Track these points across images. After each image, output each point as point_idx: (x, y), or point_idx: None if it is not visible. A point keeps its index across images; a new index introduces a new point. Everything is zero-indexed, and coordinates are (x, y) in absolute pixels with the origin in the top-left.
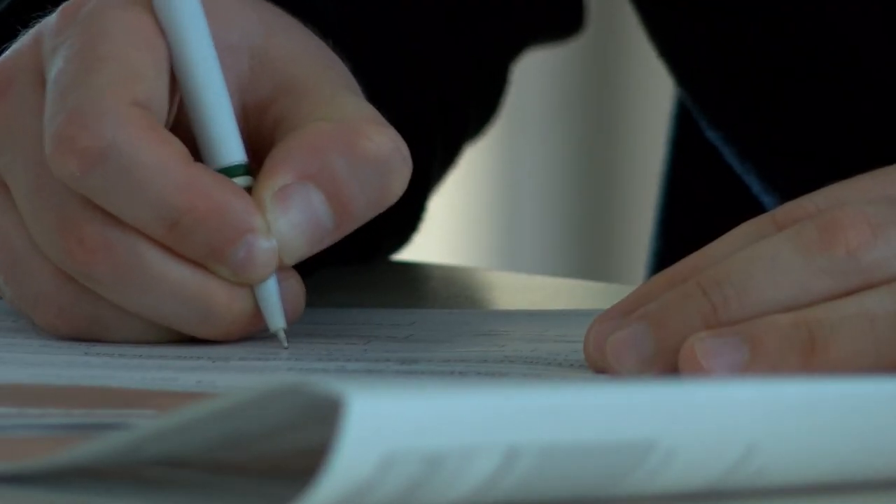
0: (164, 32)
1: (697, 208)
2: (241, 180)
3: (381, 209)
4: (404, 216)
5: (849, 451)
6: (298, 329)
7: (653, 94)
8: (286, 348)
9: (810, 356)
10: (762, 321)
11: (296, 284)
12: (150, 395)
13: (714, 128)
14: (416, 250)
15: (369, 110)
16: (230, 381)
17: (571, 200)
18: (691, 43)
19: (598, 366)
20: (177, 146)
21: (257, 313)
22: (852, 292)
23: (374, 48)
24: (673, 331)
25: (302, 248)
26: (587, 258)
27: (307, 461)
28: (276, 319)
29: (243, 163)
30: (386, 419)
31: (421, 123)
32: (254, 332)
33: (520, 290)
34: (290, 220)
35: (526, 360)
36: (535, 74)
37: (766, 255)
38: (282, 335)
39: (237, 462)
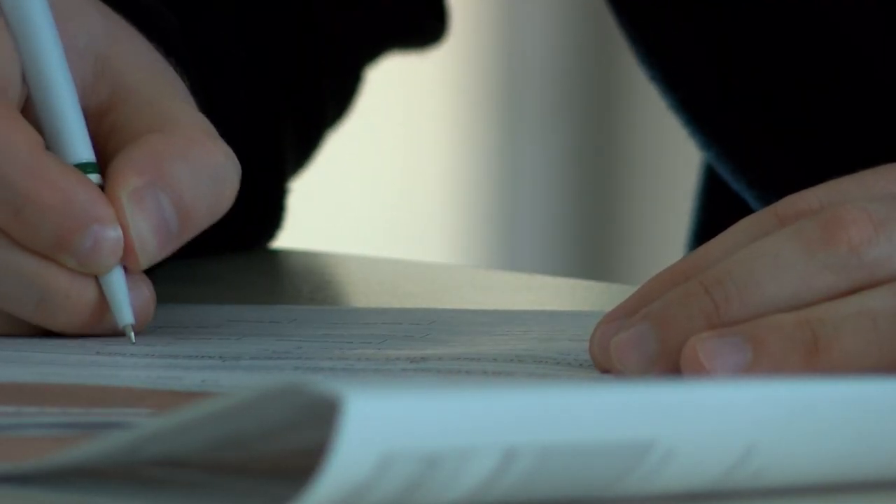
0: (11, 31)
1: (735, 213)
2: (91, 178)
3: (217, 216)
4: (264, 209)
5: (847, 451)
6: (312, 329)
7: (654, 93)
8: (133, 344)
9: (813, 356)
10: (764, 321)
11: (145, 288)
12: (149, 395)
13: (706, 147)
14: (416, 249)
15: (203, 121)
16: (235, 381)
17: (571, 200)
18: (687, 57)
19: (604, 367)
20: (30, 134)
21: (101, 306)
22: (855, 289)
23: (220, 41)
24: (676, 330)
25: (154, 250)
26: (587, 258)
27: (307, 461)
28: (125, 315)
29: (92, 161)
30: (384, 419)
31: (270, 115)
32: (101, 328)
33: (520, 290)
34: (146, 220)
35: (536, 359)
36: (535, 74)
37: (767, 252)
38: (129, 331)
39: (237, 462)
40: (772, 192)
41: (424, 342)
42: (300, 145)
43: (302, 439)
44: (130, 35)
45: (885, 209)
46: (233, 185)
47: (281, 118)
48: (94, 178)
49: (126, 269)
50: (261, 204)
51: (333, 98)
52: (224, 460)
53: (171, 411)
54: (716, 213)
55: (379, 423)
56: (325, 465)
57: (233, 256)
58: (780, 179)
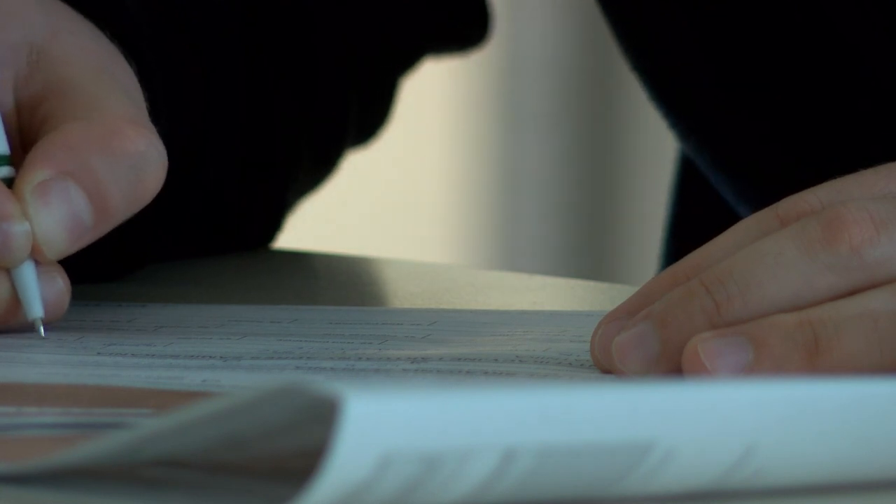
0: None
1: (709, 210)
2: (2, 171)
3: (139, 206)
4: (264, 214)
5: (847, 451)
6: (314, 329)
7: None
8: (44, 338)
9: (814, 356)
10: (766, 321)
11: (60, 281)
12: (150, 395)
13: (685, 137)
14: (417, 250)
15: (131, 109)
16: (236, 381)
17: (572, 200)
18: (673, 49)
19: (605, 367)
20: None
21: (16, 301)
22: (856, 290)
23: (227, 46)
24: (677, 330)
25: (63, 243)
26: (587, 258)
27: (307, 461)
28: (34, 308)
29: (5, 154)
30: (383, 419)
31: (282, 129)
32: (17, 323)
33: (520, 290)
34: (50, 215)
35: (537, 360)
36: (535, 74)
37: (769, 252)
38: (39, 324)
39: (237, 462)
40: (750, 185)
41: (425, 342)
42: (316, 158)
43: (302, 439)
44: (75, 28)
45: (887, 209)
46: (156, 173)
47: (295, 127)
48: (6, 171)
49: (38, 262)
50: (260, 207)
51: (361, 112)
52: (224, 460)
53: (172, 411)
54: (690, 206)
55: (378, 424)
56: (325, 465)
57: (233, 256)
58: (758, 172)
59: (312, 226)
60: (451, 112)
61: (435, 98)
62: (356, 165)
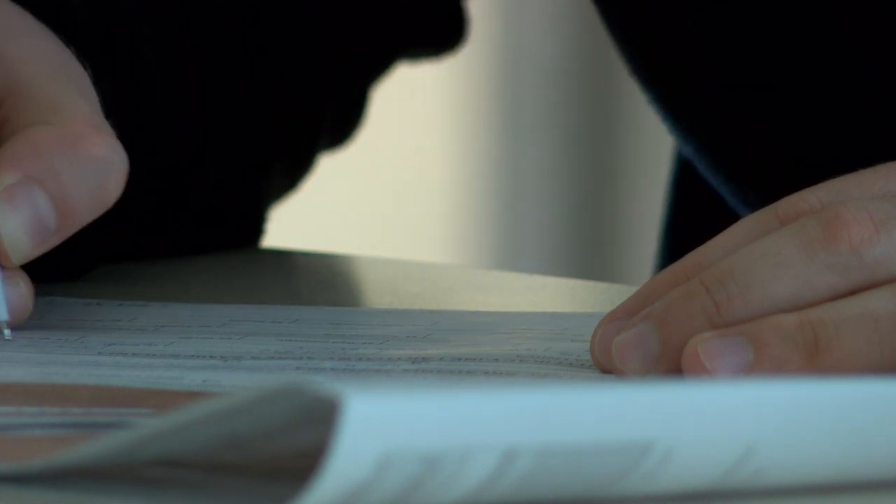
0: None
1: (705, 209)
2: None
3: (101, 211)
4: (238, 223)
5: (847, 452)
6: (315, 329)
7: None
8: (9, 340)
9: (814, 357)
10: (766, 321)
11: (22, 285)
12: (150, 394)
13: (685, 141)
14: (417, 250)
15: (92, 113)
16: (236, 381)
17: (572, 200)
18: (674, 49)
19: (605, 367)
20: None
21: None
22: (856, 289)
23: (212, 56)
24: (677, 330)
25: (27, 247)
26: (588, 258)
27: (307, 461)
28: None
29: None
30: (383, 420)
31: (255, 137)
32: None
33: (520, 290)
34: (16, 218)
35: (537, 360)
36: (535, 74)
37: (768, 251)
38: (4, 328)
39: (237, 462)
40: (750, 187)
41: (426, 342)
42: (288, 168)
43: (302, 439)
44: (30, 30)
45: (886, 209)
46: (118, 179)
47: (267, 142)
48: None
49: (2, 267)
50: (257, 206)
51: (333, 121)
52: (224, 460)
53: (172, 411)
54: (686, 205)
55: (379, 424)
56: (325, 465)
57: (232, 256)
58: (760, 174)
59: (312, 226)
60: (452, 112)
61: (435, 98)
62: (357, 165)
